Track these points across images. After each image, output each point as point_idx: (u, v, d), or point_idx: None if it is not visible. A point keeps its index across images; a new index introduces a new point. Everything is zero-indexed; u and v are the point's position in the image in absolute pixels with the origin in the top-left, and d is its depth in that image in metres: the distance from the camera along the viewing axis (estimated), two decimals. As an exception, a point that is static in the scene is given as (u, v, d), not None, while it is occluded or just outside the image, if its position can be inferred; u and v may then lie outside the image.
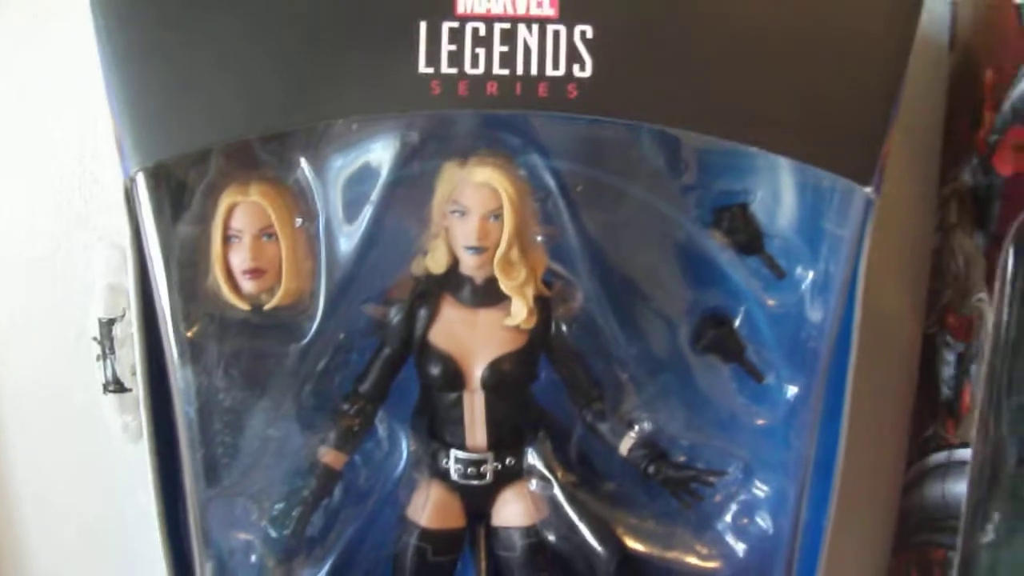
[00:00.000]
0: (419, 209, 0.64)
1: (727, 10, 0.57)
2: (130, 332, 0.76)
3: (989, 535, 0.72)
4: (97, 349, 0.78)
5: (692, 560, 0.69)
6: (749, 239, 0.64)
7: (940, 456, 0.76)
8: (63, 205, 0.81)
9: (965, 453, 0.73)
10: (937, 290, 0.78)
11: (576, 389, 0.67)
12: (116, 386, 0.78)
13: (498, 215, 0.62)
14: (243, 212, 0.62)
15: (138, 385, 0.70)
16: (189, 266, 0.62)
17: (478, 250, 0.62)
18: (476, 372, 0.65)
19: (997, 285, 0.68)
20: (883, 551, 0.80)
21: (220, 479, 0.64)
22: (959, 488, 0.73)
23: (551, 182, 0.63)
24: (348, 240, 0.64)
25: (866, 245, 0.61)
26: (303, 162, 0.63)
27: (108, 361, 0.78)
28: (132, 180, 0.60)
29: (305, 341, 0.64)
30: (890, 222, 0.65)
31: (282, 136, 0.62)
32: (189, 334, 0.62)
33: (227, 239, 0.63)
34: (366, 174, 0.63)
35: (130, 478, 0.81)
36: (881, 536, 0.80)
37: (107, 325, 0.78)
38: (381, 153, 0.63)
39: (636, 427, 0.67)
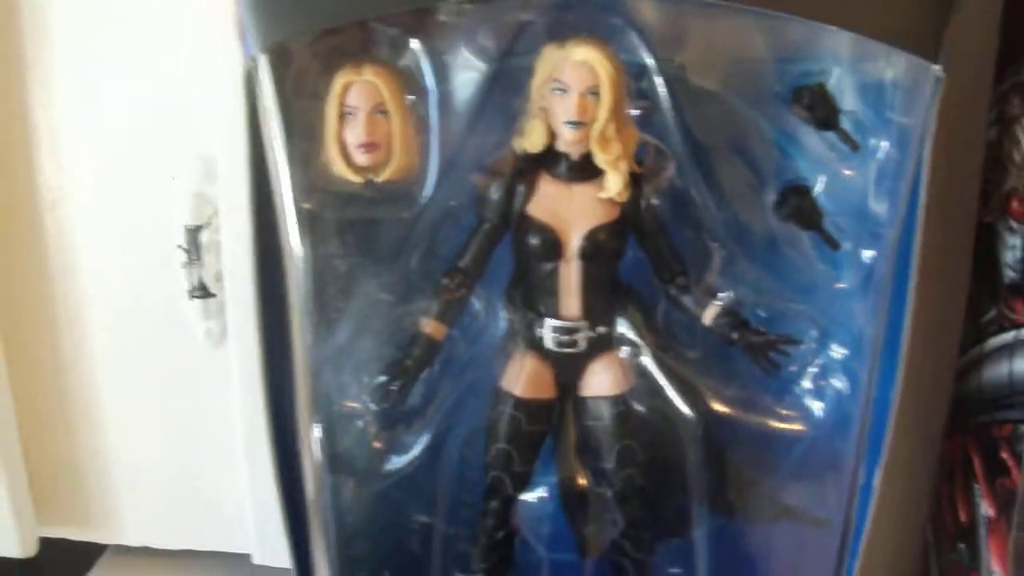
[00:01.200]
0: (520, 89, 0.68)
1: None
2: (216, 239, 0.82)
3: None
4: (183, 257, 0.83)
5: (773, 422, 0.74)
6: (826, 115, 0.69)
7: (1006, 336, 0.81)
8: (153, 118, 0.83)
9: (1036, 329, 0.76)
10: (995, 180, 0.82)
11: (661, 264, 0.72)
12: (202, 291, 0.84)
13: (595, 92, 0.67)
14: (358, 90, 0.67)
15: (224, 289, 0.76)
16: (307, 140, 0.67)
17: (577, 125, 0.67)
18: (573, 241, 0.70)
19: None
20: (934, 434, 0.84)
21: (334, 340, 0.69)
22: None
23: (648, 60, 0.67)
24: (456, 118, 0.69)
25: (932, 123, 0.65)
26: (413, 44, 0.68)
27: (194, 267, 0.83)
28: (254, 60, 0.65)
29: (416, 210, 0.69)
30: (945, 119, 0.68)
31: (394, 18, 0.67)
32: (307, 205, 0.67)
33: (343, 115, 0.68)
34: (473, 57, 0.68)
35: (213, 382, 0.87)
36: (936, 418, 0.84)
37: (193, 232, 0.83)
38: (487, 36, 0.67)
39: (720, 295, 0.72)
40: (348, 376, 0.71)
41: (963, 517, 0.86)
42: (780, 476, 0.75)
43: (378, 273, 0.70)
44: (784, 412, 0.74)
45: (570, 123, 0.67)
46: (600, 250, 0.70)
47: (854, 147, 0.70)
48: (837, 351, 0.73)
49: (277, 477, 0.72)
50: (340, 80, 0.68)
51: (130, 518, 0.95)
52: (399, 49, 0.68)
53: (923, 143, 0.66)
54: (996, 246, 0.84)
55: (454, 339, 0.73)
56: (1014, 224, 0.81)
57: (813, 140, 0.70)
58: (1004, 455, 0.83)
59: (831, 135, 0.70)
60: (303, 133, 0.67)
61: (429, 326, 0.72)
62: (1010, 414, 0.82)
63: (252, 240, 0.69)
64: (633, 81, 0.68)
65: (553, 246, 0.70)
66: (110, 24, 0.82)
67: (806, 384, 0.74)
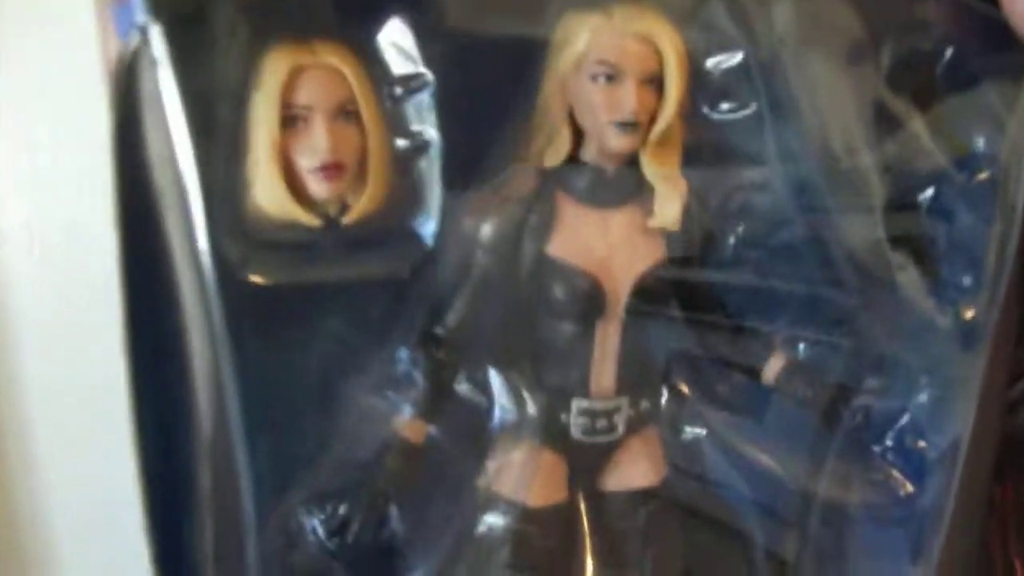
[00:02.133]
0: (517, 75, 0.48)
1: None
2: None
3: None
4: None
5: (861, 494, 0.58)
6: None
7: None
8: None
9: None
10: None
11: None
12: None
13: (657, 79, 0.47)
14: (312, 81, 0.43)
15: None
16: (227, 158, 0.42)
17: (632, 127, 0.47)
18: (621, 293, 0.50)
19: None
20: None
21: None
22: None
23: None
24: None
25: None
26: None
27: None
28: (142, 31, 0.39)
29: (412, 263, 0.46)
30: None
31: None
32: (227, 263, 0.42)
33: (288, 120, 0.43)
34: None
35: None
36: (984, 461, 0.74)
37: None
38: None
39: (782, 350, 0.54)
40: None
41: (1019, 570, 0.77)
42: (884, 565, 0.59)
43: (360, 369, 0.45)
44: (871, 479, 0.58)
45: (622, 124, 0.47)
46: (654, 303, 0.50)
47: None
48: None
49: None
50: (281, 64, 0.42)
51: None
52: (364, 19, 0.44)
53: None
54: None
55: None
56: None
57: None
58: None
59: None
60: (219, 148, 0.42)
61: (407, 427, 0.50)
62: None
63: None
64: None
65: (593, 300, 0.50)
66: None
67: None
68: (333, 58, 0.43)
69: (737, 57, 0.48)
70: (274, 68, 0.42)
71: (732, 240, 0.52)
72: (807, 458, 0.57)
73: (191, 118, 0.41)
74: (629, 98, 0.47)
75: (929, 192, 0.54)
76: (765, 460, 0.56)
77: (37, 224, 0.76)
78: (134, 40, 0.39)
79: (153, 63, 0.40)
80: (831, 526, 0.57)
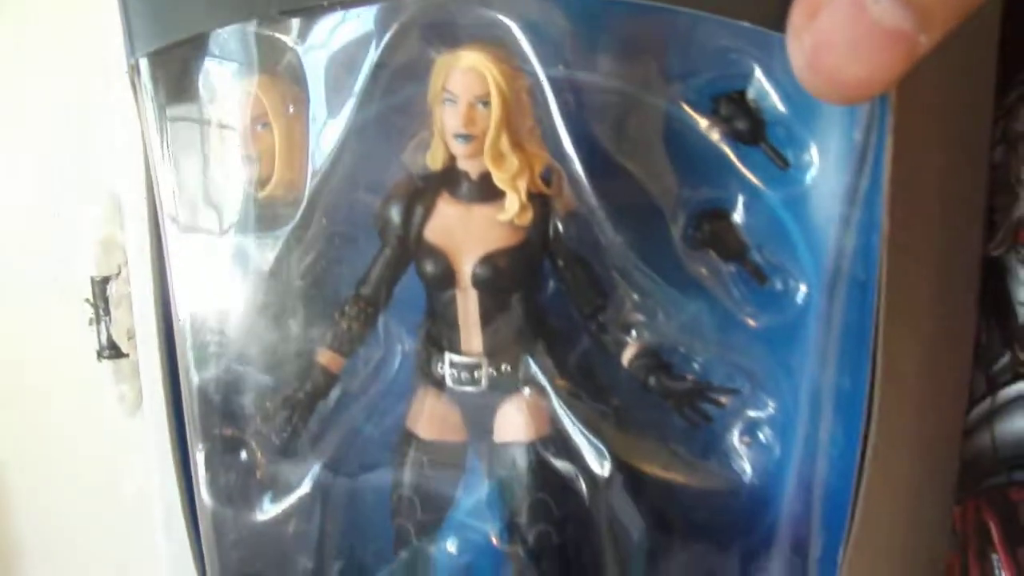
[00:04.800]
0: (408, 98, 0.64)
1: None
2: (127, 291, 0.73)
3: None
4: (90, 312, 0.79)
5: (694, 482, 0.67)
6: (749, 127, 0.62)
7: (1021, 386, 0.74)
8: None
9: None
10: (1003, 207, 0.74)
11: (578, 297, 0.67)
12: (112, 351, 0.79)
13: (486, 102, 0.62)
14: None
15: (137, 343, 0.69)
16: (190, 152, 0.65)
17: (466, 138, 0.63)
18: (467, 268, 0.65)
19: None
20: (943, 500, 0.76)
21: (209, 366, 0.66)
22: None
23: (537, 67, 0.62)
24: (336, 127, 0.65)
25: (888, 145, 0.58)
26: (291, 45, 0.64)
27: (103, 324, 0.78)
28: (134, 66, 0.63)
29: (290, 226, 0.66)
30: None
31: (274, 22, 0.63)
32: (183, 219, 0.64)
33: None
34: (354, 60, 0.64)
35: (126, 454, 0.81)
36: (940, 484, 0.75)
37: (101, 284, 0.78)
38: (368, 39, 0.63)
39: (634, 332, 0.65)
40: (231, 405, 0.67)
41: None
42: (709, 544, 0.68)
43: (252, 296, 0.65)
44: (707, 470, 0.66)
45: (459, 136, 0.63)
46: (498, 278, 0.65)
47: (783, 164, 0.62)
48: (768, 404, 0.66)
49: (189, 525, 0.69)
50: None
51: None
52: (279, 54, 0.64)
53: (874, 160, 0.59)
54: (1007, 282, 0.76)
55: (352, 370, 0.69)
56: (1027, 255, 0.74)
57: (733, 157, 0.63)
58: (1026, 521, 0.76)
59: (755, 151, 0.62)
60: (184, 144, 0.65)
61: (324, 356, 0.68)
62: (1033, 475, 0.74)
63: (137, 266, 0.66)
64: (531, 91, 0.62)
65: (446, 272, 0.66)
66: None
67: (734, 441, 0.67)
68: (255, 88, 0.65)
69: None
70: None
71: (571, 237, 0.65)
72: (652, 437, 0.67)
73: (160, 123, 0.64)
74: (460, 116, 0.62)
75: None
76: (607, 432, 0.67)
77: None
78: (131, 71, 0.63)
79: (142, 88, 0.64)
80: (664, 502, 0.67)
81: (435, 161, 0.66)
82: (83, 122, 0.78)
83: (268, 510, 0.69)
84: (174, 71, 0.64)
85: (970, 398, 0.74)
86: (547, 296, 0.68)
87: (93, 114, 0.77)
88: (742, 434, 0.66)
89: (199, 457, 0.67)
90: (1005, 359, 0.76)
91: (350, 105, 0.64)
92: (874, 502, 0.64)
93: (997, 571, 0.78)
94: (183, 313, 0.65)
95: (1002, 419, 0.77)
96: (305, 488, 0.69)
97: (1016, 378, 0.75)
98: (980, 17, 0.63)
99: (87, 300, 0.78)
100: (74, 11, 0.75)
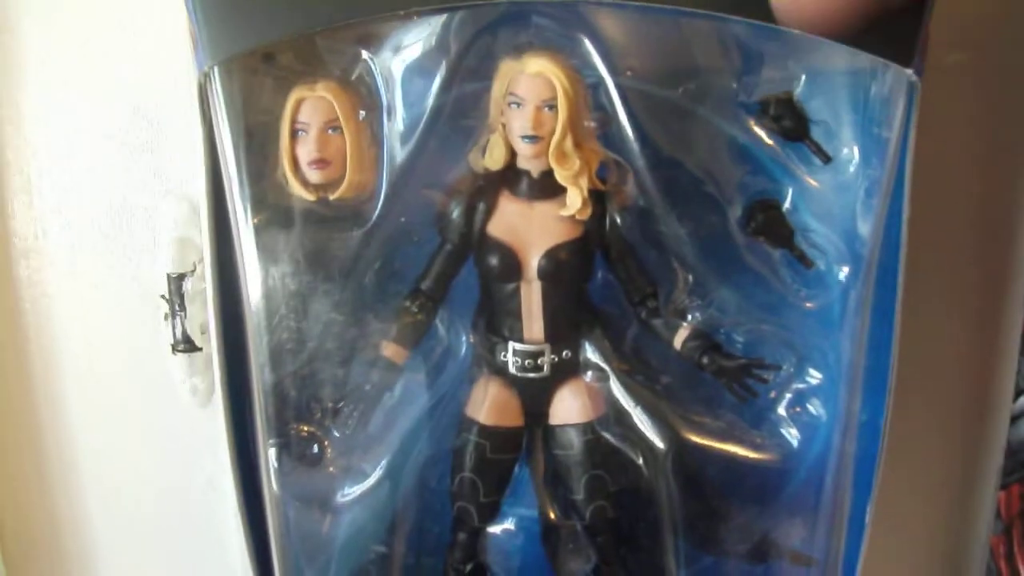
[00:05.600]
0: (475, 101, 0.69)
1: None
2: (201, 288, 0.80)
3: None
4: (165, 307, 0.82)
5: (749, 451, 0.72)
6: (795, 125, 0.68)
7: None
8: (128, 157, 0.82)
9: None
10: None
11: (631, 285, 0.72)
12: (186, 345, 0.83)
13: (552, 105, 0.67)
14: (310, 106, 0.69)
15: (210, 337, 0.71)
16: (261, 156, 0.69)
17: (533, 139, 0.68)
18: (532, 261, 0.70)
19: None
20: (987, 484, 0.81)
21: (285, 364, 0.70)
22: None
23: (604, 72, 0.67)
24: (409, 132, 0.69)
25: (912, 135, 0.65)
26: (365, 55, 0.68)
27: (177, 319, 0.82)
28: (206, 75, 0.66)
29: (367, 227, 0.70)
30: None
31: (345, 31, 0.67)
32: (256, 220, 0.68)
33: (295, 132, 0.69)
34: (425, 67, 0.68)
35: (199, 444, 0.84)
36: (986, 469, 0.80)
37: (176, 280, 0.82)
38: (437, 46, 0.67)
39: (689, 316, 0.71)
40: (304, 400, 0.71)
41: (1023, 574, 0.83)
42: (760, 509, 0.74)
43: (330, 292, 0.70)
44: (760, 441, 0.72)
45: (526, 137, 0.68)
46: (561, 270, 0.70)
47: (825, 159, 0.69)
48: (814, 376, 0.72)
49: (244, 513, 0.72)
50: (293, 96, 0.69)
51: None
52: (352, 63, 0.69)
53: (902, 154, 0.65)
54: None
55: (416, 363, 0.73)
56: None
57: (782, 152, 0.69)
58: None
59: (801, 147, 0.68)
60: (257, 148, 0.69)
61: (389, 349, 0.72)
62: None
63: (211, 264, 0.69)
64: (592, 94, 0.67)
65: (512, 266, 0.70)
66: (77, 61, 0.81)
67: (782, 411, 0.72)
68: (324, 92, 0.68)
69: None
70: (289, 99, 0.68)
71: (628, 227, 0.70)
72: (702, 410, 0.72)
73: (235, 129, 0.67)
74: (528, 118, 0.67)
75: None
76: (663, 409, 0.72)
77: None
78: (203, 78, 0.67)
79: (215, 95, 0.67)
80: (719, 472, 0.72)
81: (495, 161, 0.70)
82: (161, 123, 0.81)
83: (341, 500, 0.73)
84: (245, 79, 0.67)
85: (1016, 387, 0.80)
86: (596, 285, 0.72)
87: (169, 115, 0.81)
88: (791, 405, 0.72)
89: (271, 452, 0.70)
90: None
91: (422, 110, 0.68)
92: (888, 469, 0.69)
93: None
94: (256, 310, 0.69)
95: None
96: (375, 478, 0.73)
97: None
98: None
99: (163, 296, 0.81)
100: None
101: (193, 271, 0.81)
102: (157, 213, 0.82)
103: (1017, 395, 0.81)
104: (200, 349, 0.81)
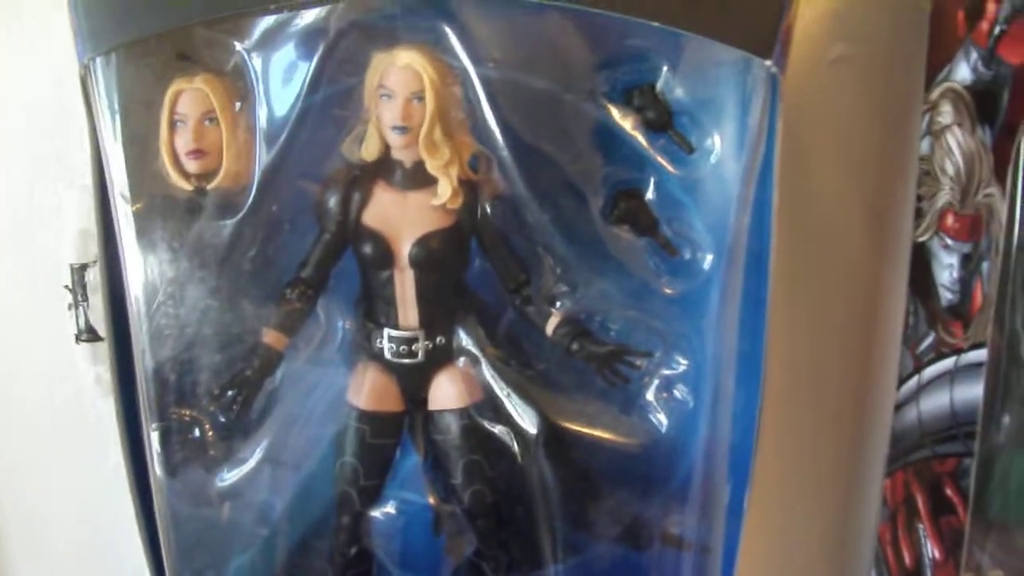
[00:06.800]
0: (348, 93, 0.71)
1: None
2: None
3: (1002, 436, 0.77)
4: (69, 297, 0.84)
5: (615, 436, 0.74)
6: (658, 116, 0.69)
7: (945, 364, 0.81)
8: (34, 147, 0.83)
9: (977, 355, 0.78)
10: (928, 196, 0.80)
11: (505, 274, 0.74)
12: (89, 335, 0.84)
13: (421, 97, 0.69)
14: (188, 97, 0.71)
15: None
16: (141, 146, 0.71)
17: (403, 130, 0.70)
18: (405, 249, 0.72)
19: (1010, 177, 0.73)
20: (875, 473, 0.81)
21: (164, 349, 0.72)
22: (971, 392, 0.78)
23: (467, 62, 0.68)
24: (282, 123, 0.71)
25: (779, 126, 0.66)
26: (238, 47, 0.70)
27: (80, 309, 0.84)
28: (87, 66, 0.69)
29: (240, 215, 0.72)
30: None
31: (220, 23, 0.69)
32: (135, 208, 0.70)
33: (173, 123, 0.71)
34: (296, 59, 0.70)
35: (104, 432, 0.82)
36: (872, 457, 0.81)
37: (79, 271, 0.84)
38: (310, 39, 0.69)
39: (559, 304, 0.72)
40: (187, 384, 0.73)
41: (908, 560, 0.86)
42: (629, 492, 0.75)
43: (205, 279, 0.72)
44: (628, 426, 0.74)
45: (396, 128, 0.70)
46: (432, 257, 0.72)
47: (689, 150, 0.70)
48: (681, 363, 0.73)
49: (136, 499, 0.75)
50: (172, 87, 0.71)
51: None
52: (228, 55, 0.70)
53: (767, 144, 0.67)
54: (931, 266, 0.81)
55: (296, 349, 0.75)
56: (950, 242, 0.79)
57: (647, 143, 0.70)
58: (948, 492, 0.83)
59: (666, 137, 0.70)
60: (137, 139, 0.71)
61: (269, 336, 0.74)
62: (953, 447, 0.82)
63: (100, 253, 0.72)
64: (461, 86, 0.69)
65: (385, 253, 0.72)
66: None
67: (650, 397, 0.74)
68: (202, 84, 0.70)
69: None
70: (168, 91, 0.70)
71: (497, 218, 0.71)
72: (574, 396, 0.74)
73: (114, 120, 0.70)
74: (397, 110, 0.68)
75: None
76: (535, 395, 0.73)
77: None
78: (83, 70, 0.69)
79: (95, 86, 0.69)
80: (589, 457, 0.73)
81: (370, 152, 0.72)
82: (65, 113, 0.81)
83: (222, 484, 0.75)
84: (125, 71, 0.69)
85: (899, 376, 0.81)
86: (474, 273, 0.74)
87: (70, 105, 0.79)
88: (659, 391, 0.73)
89: (153, 436, 0.73)
90: (930, 339, 0.81)
91: (294, 101, 0.70)
92: (768, 457, 0.71)
93: (923, 540, 0.83)
94: (135, 297, 0.71)
95: (927, 396, 0.82)
96: (256, 461, 0.75)
97: (939, 356, 0.81)
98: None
99: (66, 286, 0.83)
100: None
101: (95, 262, 0.82)
102: (62, 204, 0.83)
103: (901, 383, 0.82)
104: (103, 339, 0.81)
